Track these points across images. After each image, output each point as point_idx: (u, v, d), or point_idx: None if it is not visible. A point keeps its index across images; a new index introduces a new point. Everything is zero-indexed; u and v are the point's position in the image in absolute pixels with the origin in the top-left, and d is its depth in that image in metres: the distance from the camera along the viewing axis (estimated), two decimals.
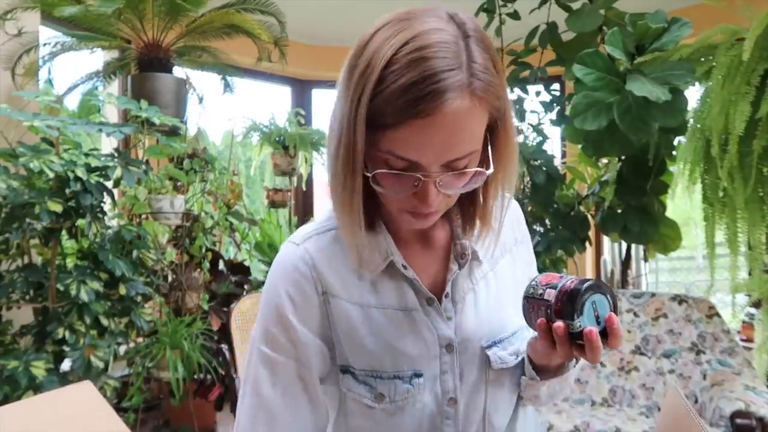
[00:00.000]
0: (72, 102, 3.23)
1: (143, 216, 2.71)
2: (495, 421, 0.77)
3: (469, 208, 0.75)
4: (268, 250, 3.40)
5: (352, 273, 0.73)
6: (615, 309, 0.65)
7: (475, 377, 0.75)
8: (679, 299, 2.40)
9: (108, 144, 2.97)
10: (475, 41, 0.61)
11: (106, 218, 2.24)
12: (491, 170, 0.66)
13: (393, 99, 0.58)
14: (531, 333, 0.75)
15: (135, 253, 2.32)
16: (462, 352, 0.74)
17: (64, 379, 1.90)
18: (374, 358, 0.71)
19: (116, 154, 2.21)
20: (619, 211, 2.55)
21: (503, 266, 0.80)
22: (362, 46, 0.63)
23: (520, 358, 0.77)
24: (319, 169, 3.83)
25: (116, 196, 2.48)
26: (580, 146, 2.54)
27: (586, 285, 0.64)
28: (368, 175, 0.64)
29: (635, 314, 2.45)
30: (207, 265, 2.97)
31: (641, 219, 2.48)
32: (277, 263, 0.75)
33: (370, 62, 0.60)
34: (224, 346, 2.47)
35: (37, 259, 2.17)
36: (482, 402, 0.76)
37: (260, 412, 0.71)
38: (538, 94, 2.89)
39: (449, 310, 0.75)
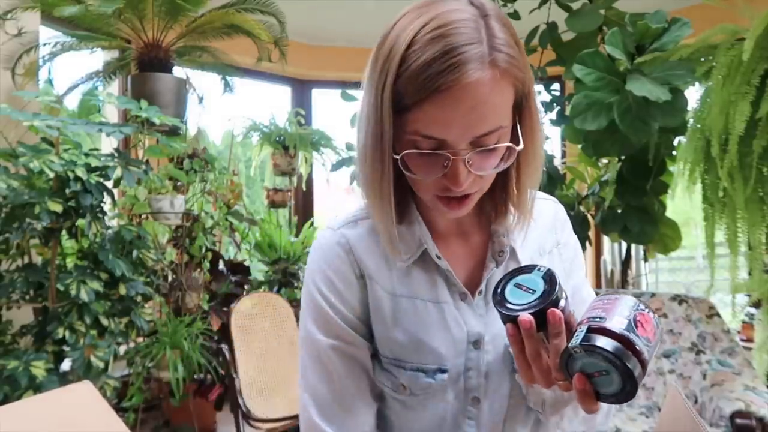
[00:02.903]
0: (72, 102, 3.23)
1: (143, 216, 2.71)
2: (515, 430, 0.74)
3: (503, 196, 0.73)
4: (268, 250, 3.40)
5: (384, 262, 0.73)
6: (552, 286, 0.57)
7: (500, 377, 0.72)
8: (679, 299, 2.40)
9: (108, 144, 2.97)
10: (494, 19, 0.62)
11: (106, 218, 2.24)
12: (521, 146, 0.65)
13: (415, 77, 0.58)
14: None
15: (135, 253, 2.32)
16: (489, 351, 0.71)
17: (64, 379, 1.90)
18: (400, 348, 0.71)
19: (116, 154, 2.21)
20: (619, 211, 2.55)
21: None
22: (386, 35, 0.64)
23: None
24: (319, 169, 3.83)
25: (116, 196, 2.48)
26: (580, 146, 2.54)
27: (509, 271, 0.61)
28: (396, 157, 0.63)
29: None
30: (207, 265, 2.97)
31: (641, 219, 2.47)
32: (316, 248, 0.76)
33: (393, 47, 0.61)
34: (224, 346, 2.47)
35: (37, 259, 2.17)
36: (505, 405, 0.73)
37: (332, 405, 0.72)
38: (538, 94, 2.88)
39: (481, 308, 0.73)
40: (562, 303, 0.57)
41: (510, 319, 0.58)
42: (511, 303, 0.58)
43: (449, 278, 0.72)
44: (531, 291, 0.58)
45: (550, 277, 0.58)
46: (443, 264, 0.72)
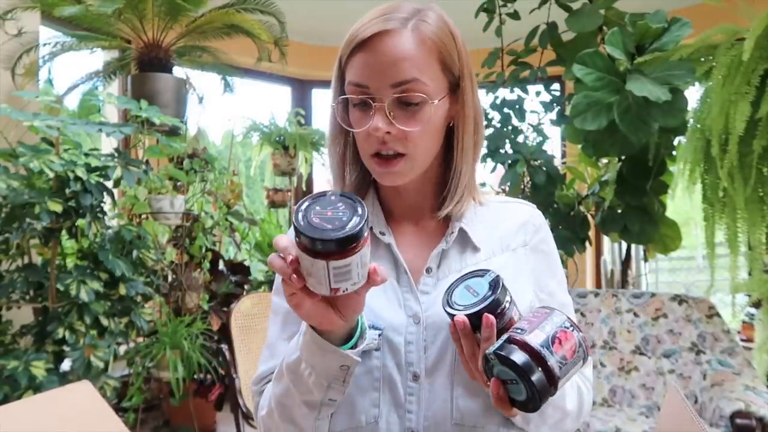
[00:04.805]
0: (72, 102, 3.23)
1: (143, 216, 2.71)
2: (466, 410, 0.73)
3: (447, 180, 0.78)
4: (268, 250, 3.40)
5: None
6: (494, 292, 0.61)
7: (440, 353, 0.73)
8: (679, 299, 2.40)
9: (108, 144, 2.97)
10: (433, 11, 0.72)
11: (106, 218, 2.24)
12: (436, 101, 0.71)
13: (349, 35, 0.71)
14: None
15: (135, 253, 2.32)
16: (431, 327, 0.74)
17: (64, 379, 1.90)
18: None
19: (116, 154, 2.21)
20: (619, 211, 2.55)
21: (500, 261, 0.78)
22: None
23: None
24: (319, 169, 3.83)
25: (116, 196, 2.48)
26: (580, 146, 2.54)
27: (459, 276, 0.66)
28: (333, 105, 0.75)
29: (635, 314, 2.44)
30: (207, 265, 2.97)
31: (641, 219, 2.47)
32: None
33: None
34: (224, 346, 2.47)
35: (37, 259, 2.17)
36: (449, 383, 0.73)
37: (266, 350, 0.82)
38: (538, 94, 2.88)
39: (428, 285, 0.76)
40: (502, 308, 0.61)
41: (452, 318, 0.62)
42: (455, 303, 0.63)
43: (393, 253, 0.77)
44: (476, 294, 0.62)
45: (495, 283, 0.62)
46: (385, 239, 0.78)
